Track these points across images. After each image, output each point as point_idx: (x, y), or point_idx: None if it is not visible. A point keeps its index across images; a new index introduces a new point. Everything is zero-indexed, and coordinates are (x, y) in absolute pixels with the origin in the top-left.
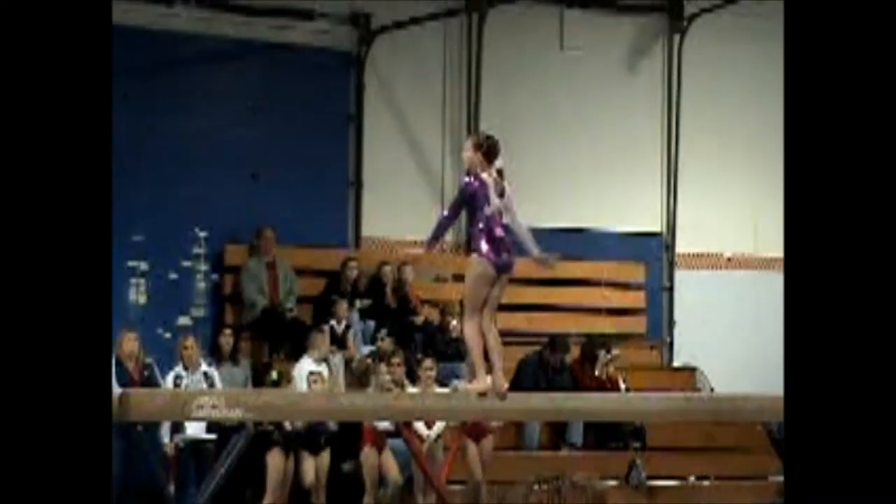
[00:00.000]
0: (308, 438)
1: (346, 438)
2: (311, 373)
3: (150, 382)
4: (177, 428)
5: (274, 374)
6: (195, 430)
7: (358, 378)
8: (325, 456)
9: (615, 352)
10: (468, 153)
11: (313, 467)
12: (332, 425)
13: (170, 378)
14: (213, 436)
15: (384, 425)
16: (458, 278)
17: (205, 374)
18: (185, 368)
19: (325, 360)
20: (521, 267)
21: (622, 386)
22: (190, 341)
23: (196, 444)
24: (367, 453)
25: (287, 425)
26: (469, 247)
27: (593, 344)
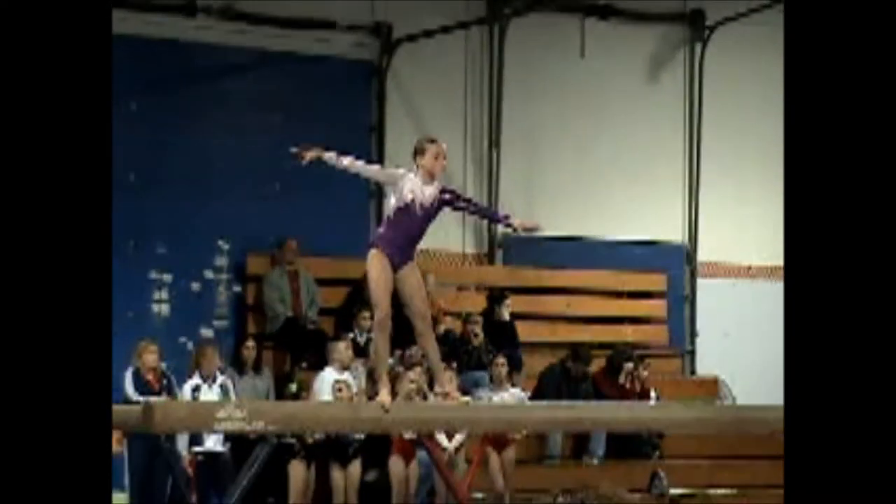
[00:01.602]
0: (336, 449)
1: (371, 448)
2: (337, 381)
3: (169, 393)
4: (195, 440)
5: (293, 386)
6: (213, 442)
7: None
8: (355, 467)
9: (633, 365)
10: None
11: (343, 479)
12: (359, 435)
13: (187, 388)
14: (227, 447)
15: (409, 435)
16: (479, 289)
17: (221, 385)
18: (204, 379)
19: (347, 369)
20: (542, 276)
21: (653, 395)
22: (209, 351)
23: (214, 456)
24: (395, 462)
25: (308, 436)
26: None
27: (619, 354)
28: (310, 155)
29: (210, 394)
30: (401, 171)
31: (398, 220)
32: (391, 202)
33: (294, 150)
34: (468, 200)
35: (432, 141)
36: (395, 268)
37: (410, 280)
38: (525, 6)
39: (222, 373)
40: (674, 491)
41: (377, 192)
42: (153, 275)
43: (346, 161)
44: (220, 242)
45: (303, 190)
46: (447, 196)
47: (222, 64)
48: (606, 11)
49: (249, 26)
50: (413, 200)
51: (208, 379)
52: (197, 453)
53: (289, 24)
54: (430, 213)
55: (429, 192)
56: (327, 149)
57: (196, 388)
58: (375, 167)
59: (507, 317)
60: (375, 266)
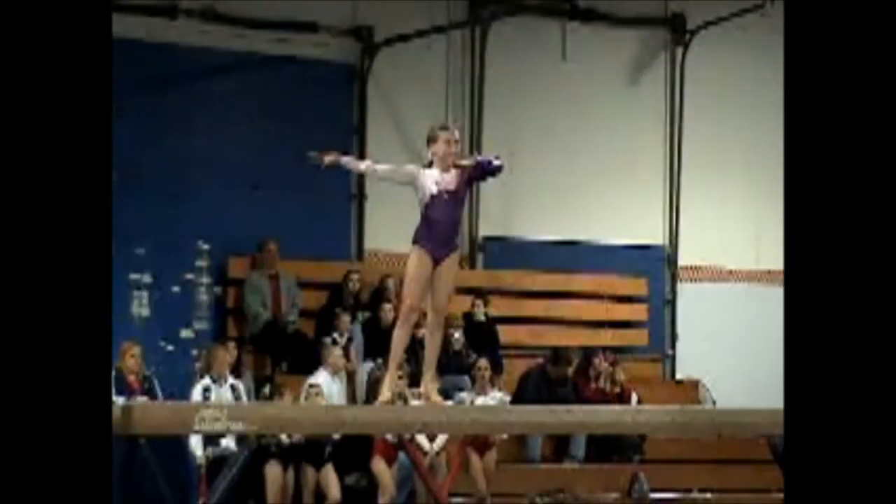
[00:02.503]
0: (310, 452)
1: (350, 451)
2: (311, 385)
3: (151, 395)
4: (210, 441)
5: (267, 389)
6: (227, 442)
7: (372, 389)
8: (329, 469)
9: (608, 365)
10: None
11: (315, 481)
12: (335, 437)
13: (198, 389)
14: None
15: (390, 438)
16: (461, 291)
17: (232, 386)
18: (214, 381)
19: (338, 374)
20: (523, 280)
21: (634, 398)
22: (220, 352)
23: (228, 456)
24: (378, 465)
25: (284, 438)
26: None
27: (588, 355)
28: (328, 160)
29: (221, 395)
30: (412, 167)
31: (430, 214)
32: (418, 199)
33: (312, 154)
34: (472, 166)
35: (444, 128)
36: (439, 260)
37: (443, 272)
38: (506, 10)
39: (236, 375)
40: (654, 494)
41: (358, 194)
42: (133, 276)
43: (363, 165)
44: (201, 244)
45: (284, 192)
46: (465, 174)
47: (203, 66)
48: (588, 15)
49: (230, 28)
50: (438, 191)
51: (219, 380)
52: (210, 454)
53: (270, 26)
54: (461, 196)
55: (450, 177)
56: (320, 152)
57: (206, 389)
58: (390, 167)
59: (482, 317)
60: (412, 262)
